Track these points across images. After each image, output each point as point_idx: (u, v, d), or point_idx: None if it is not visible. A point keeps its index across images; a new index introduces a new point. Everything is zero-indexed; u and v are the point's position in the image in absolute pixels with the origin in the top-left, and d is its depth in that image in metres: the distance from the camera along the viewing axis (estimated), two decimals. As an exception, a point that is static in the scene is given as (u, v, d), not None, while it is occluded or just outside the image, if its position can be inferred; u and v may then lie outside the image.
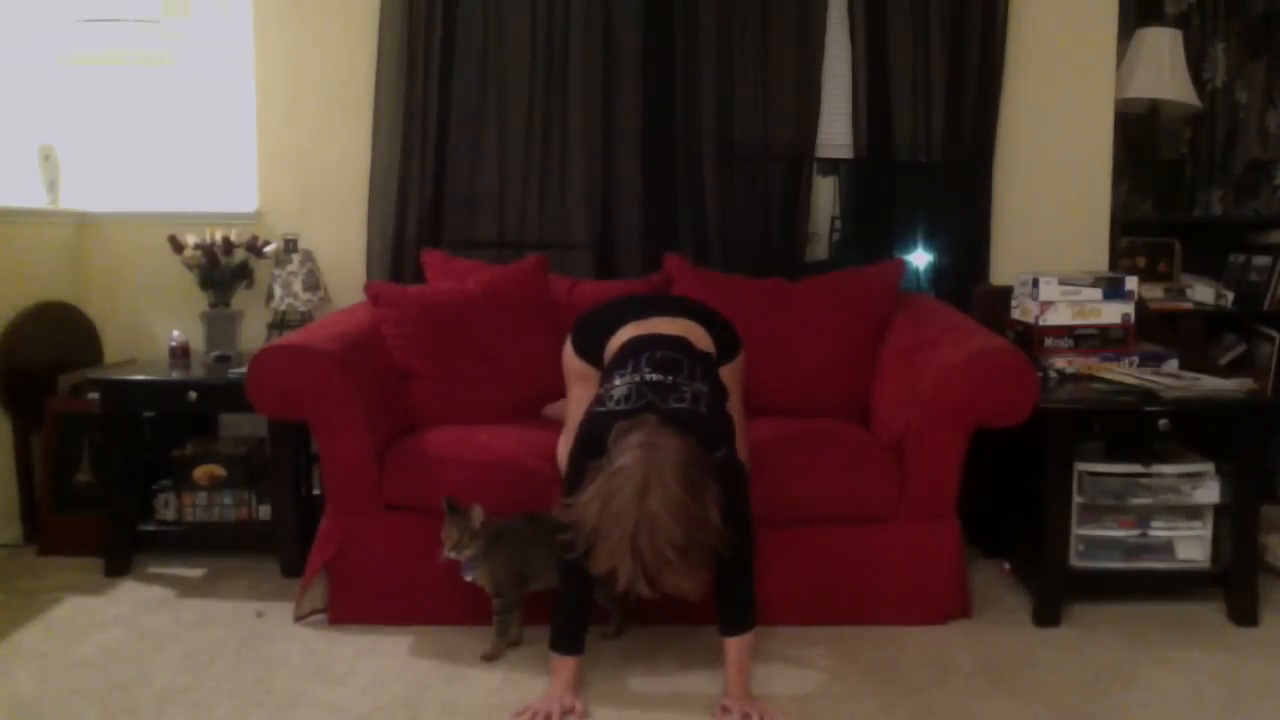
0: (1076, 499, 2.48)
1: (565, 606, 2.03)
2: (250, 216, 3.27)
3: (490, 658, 2.24)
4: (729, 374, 2.32)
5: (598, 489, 1.82)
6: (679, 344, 2.20)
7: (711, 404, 2.06)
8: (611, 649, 2.28)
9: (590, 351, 2.34)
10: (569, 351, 2.41)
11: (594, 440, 1.96)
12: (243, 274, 3.14)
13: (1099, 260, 3.27)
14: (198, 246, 3.06)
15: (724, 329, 2.39)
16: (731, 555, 1.90)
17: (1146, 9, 3.71)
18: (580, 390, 2.33)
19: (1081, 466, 2.48)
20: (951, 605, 2.44)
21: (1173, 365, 2.69)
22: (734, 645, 2.02)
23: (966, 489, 2.41)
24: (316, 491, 2.76)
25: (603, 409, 2.03)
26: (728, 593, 2.00)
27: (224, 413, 3.19)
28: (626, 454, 1.83)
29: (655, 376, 2.05)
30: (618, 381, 2.08)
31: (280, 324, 3.09)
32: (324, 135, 3.26)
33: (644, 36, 3.18)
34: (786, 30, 3.20)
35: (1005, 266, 3.21)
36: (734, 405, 2.28)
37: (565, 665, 2.02)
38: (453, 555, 2.18)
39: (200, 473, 2.87)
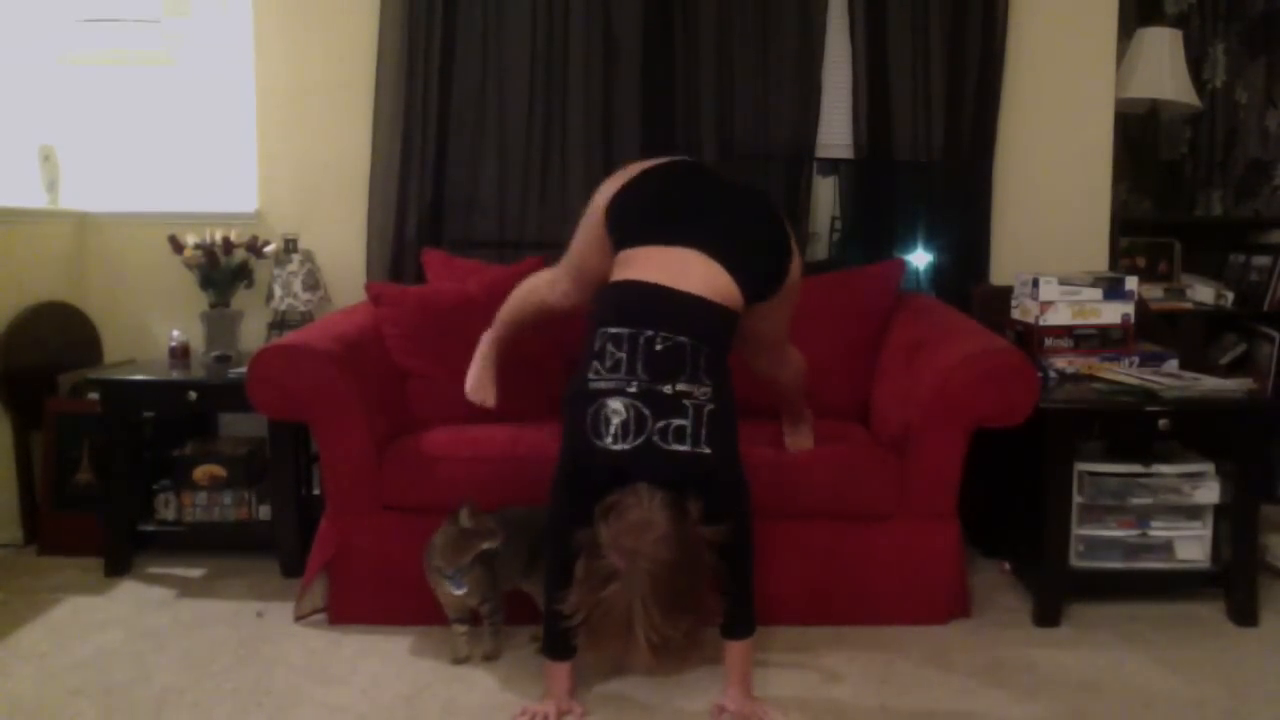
0: (1076, 499, 2.48)
1: (554, 614, 1.97)
2: (250, 216, 3.27)
3: (491, 657, 2.24)
4: (768, 308, 2.08)
5: (586, 596, 1.75)
6: (686, 316, 1.91)
7: (715, 415, 1.87)
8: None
9: (616, 231, 2.09)
10: (600, 204, 2.14)
11: (578, 473, 1.90)
12: (243, 274, 3.14)
13: (1099, 260, 3.27)
14: (198, 246, 3.06)
15: (764, 264, 2.05)
16: (739, 566, 1.93)
17: (1146, 9, 3.71)
18: (583, 244, 2.18)
19: (1081, 466, 2.48)
20: (951, 605, 2.44)
21: (1173, 365, 2.69)
22: (735, 648, 2.02)
23: (966, 489, 2.41)
24: (316, 491, 2.77)
25: (600, 444, 1.84)
26: (733, 599, 1.98)
27: (224, 413, 3.19)
28: (614, 555, 1.74)
29: (654, 386, 1.84)
30: (608, 381, 1.86)
31: (280, 324, 3.09)
32: (324, 135, 3.26)
33: (644, 36, 3.17)
34: (786, 30, 3.20)
35: (1005, 266, 3.21)
36: (780, 333, 2.20)
37: (559, 671, 2.02)
38: (451, 572, 2.15)
39: (200, 473, 2.87)
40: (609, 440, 1.83)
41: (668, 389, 1.85)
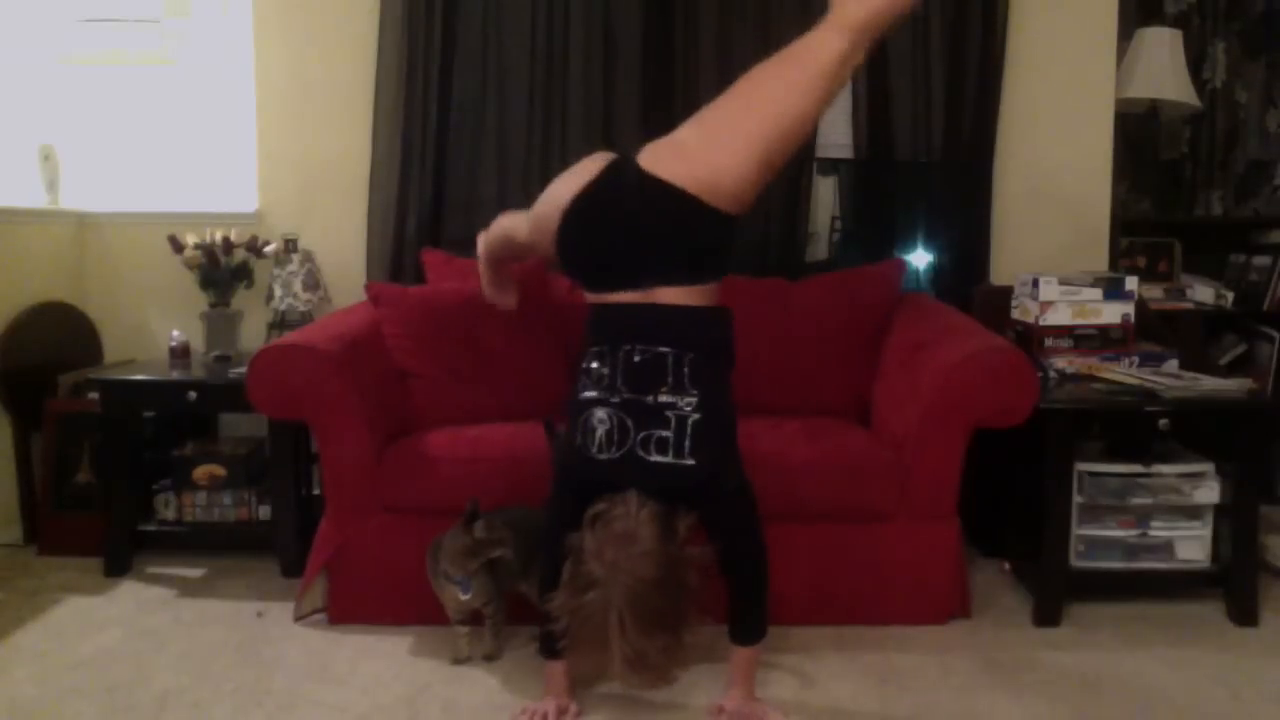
0: (1076, 499, 2.48)
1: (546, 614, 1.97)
2: (250, 216, 3.27)
3: (491, 657, 2.24)
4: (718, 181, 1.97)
5: (567, 601, 1.76)
6: (664, 327, 1.91)
7: (701, 425, 1.85)
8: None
9: (574, 274, 2.08)
10: (550, 232, 2.00)
11: (571, 478, 1.94)
12: (243, 274, 3.14)
13: (1099, 260, 3.27)
14: (198, 246, 3.06)
15: (712, 248, 2.00)
16: (746, 576, 1.95)
17: (1146, 9, 3.71)
18: (541, 234, 2.06)
19: (1081, 466, 2.48)
20: (951, 605, 2.44)
21: (1173, 365, 2.69)
22: (741, 652, 2.02)
23: (966, 489, 2.41)
24: (316, 491, 2.77)
25: (587, 452, 1.88)
26: (741, 607, 1.99)
27: (224, 413, 3.19)
28: (595, 564, 1.73)
29: (636, 398, 1.86)
30: (594, 391, 1.89)
31: (280, 324, 3.09)
32: (324, 135, 3.26)
33: (644, 36, 3.17)
34: (787, 30, 3.17)
35: (1005, 266, 3.21)
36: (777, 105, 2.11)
37: (556, 669, 2.02)
38: (459, 578, 2.15)
39: (200, 473, 2.87)
40: (594, 450, 1.88)
41: (649, 400, 1.87)
